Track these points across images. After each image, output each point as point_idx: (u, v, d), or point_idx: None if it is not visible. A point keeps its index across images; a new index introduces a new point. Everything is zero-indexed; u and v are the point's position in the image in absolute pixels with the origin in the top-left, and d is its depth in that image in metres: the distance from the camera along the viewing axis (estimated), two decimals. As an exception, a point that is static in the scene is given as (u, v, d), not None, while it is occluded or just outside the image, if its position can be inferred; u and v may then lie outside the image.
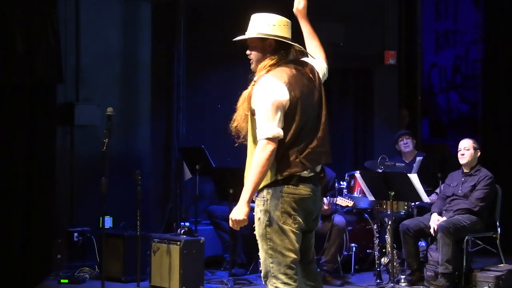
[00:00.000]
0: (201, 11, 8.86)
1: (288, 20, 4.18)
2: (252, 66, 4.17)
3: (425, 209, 7.63)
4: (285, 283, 4.02)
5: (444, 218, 7.01)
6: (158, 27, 8.49)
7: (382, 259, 7.30)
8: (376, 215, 7.66)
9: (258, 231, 4.08)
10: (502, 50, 9.36)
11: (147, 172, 8.03)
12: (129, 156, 8.08)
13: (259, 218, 4.05)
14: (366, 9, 9.67)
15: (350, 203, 7.46)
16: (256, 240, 4.14)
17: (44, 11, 7.32)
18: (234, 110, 8.58)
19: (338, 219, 7.49)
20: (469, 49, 11.15)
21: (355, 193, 7.77)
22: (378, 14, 9.74)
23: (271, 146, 3.91)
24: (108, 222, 7.59)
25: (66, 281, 7.22)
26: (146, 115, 8.35)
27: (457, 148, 7.24)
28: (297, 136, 4.01)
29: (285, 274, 4.02)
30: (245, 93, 4.11)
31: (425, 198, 6.96)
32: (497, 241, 7.13)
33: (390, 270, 7.03)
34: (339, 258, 7.56)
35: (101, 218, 6.69)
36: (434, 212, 7.14)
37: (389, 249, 7.12)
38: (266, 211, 4.02)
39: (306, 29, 4.38)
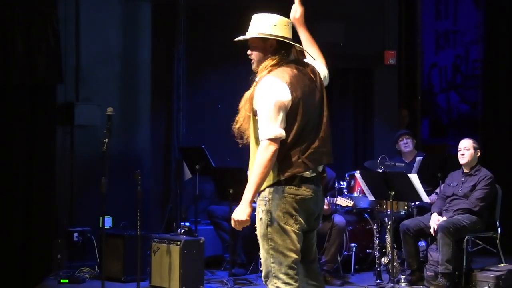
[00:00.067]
0: (201, 11, 8.86)
1: (289, 20, 4.19)
2: (253, 66, 4.17)
3: (425, 209, 7.63)
4: (286, 283, 4.02)
5: (444, 218, 7.01)
6: (158, 27, 8.50)
7: (382, 259, 7.30)
8: (376, 215, 7.66)
9: (259, 231, 4.08)
10: (502, 50, 9.36)
11: (147, 172, 8.03)
12: (129, 156, 8.08)
13: (260, 218, 4.05)
14: (366, 9, 9.67)
15: (350, 203, 7.46)
16: (257, 240, 4.14)
17: (44, 11, 7.33)
18: (234, 110, 8.57)
19: (338, 219, 7.49)
20: (469, 49, 11.15)
21: (355, 193, 7.77)
22: (378, 14, 9.74)
23: (273, 147, 3.92)
24: (108, 222, 7.60)
25: (66, 281, 7.22)
26: (146, 115, 8.35)
27: (457, 148, 7.24)
28: (299, 136, 4.01)
29: (286, 274, 4.02)
30: (247, 94, 4.12)
31: (425, 198, 6.96)
32: (497, 241, 7.13)
33: (390, 270, 7.03)
34: (339, 258, 7.56)
35: (101, 218, 6.69)
36: (434, 212, 7.14)
37: (389, 249, 7.12)
38: (268, 211, 4.02)
39: (304, 36, 4.37)
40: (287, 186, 4.01)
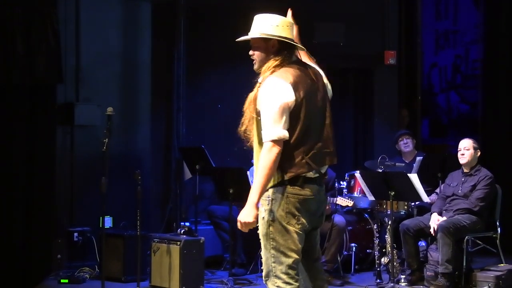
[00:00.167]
0: (201, 11, 8.86)
1: (291, 21, 4.19)
2: (255, 66, 4.18)
3: (425, 209, 7.63)
4: (286, 283, 4.03)
5: (444, 218, 7.01)
6: (158, 27, 8.50)
7: (382, 259, 7.30)
8: (376, 215, 7.66)
9: (261, 230, 4.09)
10: (502, 50, 9.36)
11: (147, 172, 8.03)
12: (129, 156, 8.08)
13: (263, 218, 4.06)
14: (366, 9, 9.67)
15: (350, 203, 7.46)
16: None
17: (44, 11, 7.33)
18: (234, 110, 8.57)
19: (338, 219, 7.49)
20: (469, 49, 11.15)
21: (355, 193, 7.77)
22: (378, 14, 9.74)
23: (276, 149, 3.93)
24: (108, 222, 7.59)
25: (66, 281, 7.22)
26: (146, 115, 8.35)
27: (457, 148, 7.24)
28: (303, 136, 4.03)
29: (287, 274, 4.03)
30: (250, 95, 4.12)
31: (425, 198, 6.96)
32: (497, 241, 7.13)
33: (390, 270, 7.03)
34: (339, 258, 7.57)
35: (101, 218, 6.69)
36: (434, 212, 7.14)
37: (389, 249, 7.12)
38: (271, 211, 4.03)
39: (301, 53, 4.35)
40: (291, 186, 4.02)
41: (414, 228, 7.15)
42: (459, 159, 7.19)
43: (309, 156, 4.03)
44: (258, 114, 4.05)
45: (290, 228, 4.02)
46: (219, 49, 8.72)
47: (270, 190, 4.03)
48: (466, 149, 7.17)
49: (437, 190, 7.66)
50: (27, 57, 7.22)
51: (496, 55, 9.49)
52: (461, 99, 11.46)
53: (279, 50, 4.11)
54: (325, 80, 4.30)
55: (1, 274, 7.08)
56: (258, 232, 4.11)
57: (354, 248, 7.70)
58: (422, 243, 7.55)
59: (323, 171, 4.16)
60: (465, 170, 7.22)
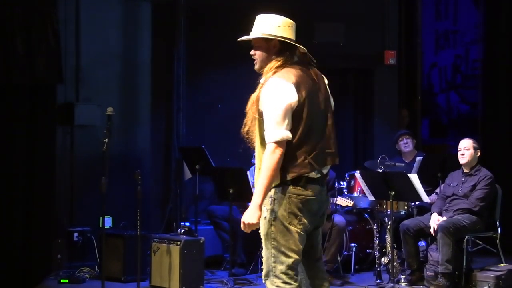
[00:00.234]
0: (201, 11, 8.86)
1: (293, 22, 4.20)
2: (256, 66, 4.19)
3: (425, 209, 7.63)
4: (286, 283, 4.04)
5: (444, 218, 7.01)
6: (158, 27, 8.50)
7: (382, 259, 7.30)
8: (376, 215, 7.66)
9: (263, 229, 4.09)
10: (502, 50, 9.36)
11: (147, 172, 8.03)
12: (129, 156, 8.08)
13: (265, 217, 4.06)
14: (366, 9, 9.67)
15: (350, 203, 7.46)
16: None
17: (44, 11, 7.33)
18: (234, 110, 8.58)
19: (338, 219, 7.49)
20: (469, 49, 11.14)
21: (355, 193, 7.77)
22: (378, 14, 9.74)
23: (279, 150, 3.95)
24: (108, 222, 7.59)
25: (66, 281, 7.22)
26: (146, 115, 8.35)
27: (457, 148, 7.24)
28: (305, 136, 4.03)
29: (286, 274, 4.04)
30: (253, 96, 4.13)
31: (425, 198, 6.96)
32: (497, 241, 7.13)
33: (390, 270, 7.03)
34: (339, 258, 7.56)
35: (101, 218, 6.69)
36: (434, 212, 7.14)
37: (389, 249, 7.12)
38: (273, 211, 4.04)
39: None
40: (293, 187, 4.03)
41: (414, 228, 7.15)
42: (459, 159, 7.19)
43: (311, 157, 4.04)
44: (260, 114, 4.06)
45: (292, 228, 4.03)
46: (219, 49, 8.72)
47: (272, 190, 4.04)
48: (466, 149, 7.17)
49: (437, 190, 7.66)
50: (27, 57, 7.22)
51: (496, 55, 9.49)
52: (461, 99, 11.46)
53: (281, 50, 4.12)
54: (326, 81, 4.31)
55: (1, 274, 7.08)
56: (259, 231, 4.12)
57: (354, 248, 7.70)
58: (422, 243, 7.55)
59: (325, 171, 4.17)
60: (465, 170, 7.22)
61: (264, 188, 3.96)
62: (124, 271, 7.20)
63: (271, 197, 4.04)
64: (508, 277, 6.76)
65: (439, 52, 11.55)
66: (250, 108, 4.13)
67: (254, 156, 7.82)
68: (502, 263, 7.07)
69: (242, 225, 4.03)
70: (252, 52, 4.19)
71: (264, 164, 3.96)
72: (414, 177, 6.82)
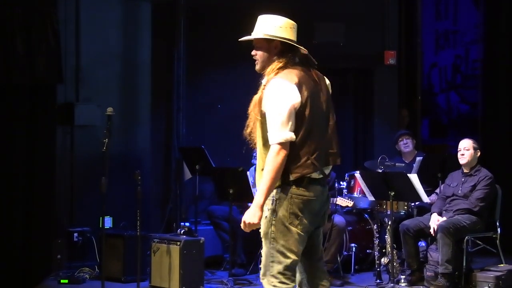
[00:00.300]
0: (201, 11, 8.86)
1: (294, 23, 4.20)
2: (257, 67, 4.19)
3: (425, 209, 7.63)
4: (282, 282, 4.05)
5: (444, 218, 7.01)
6: (158, 27, 8.50)
7: (382, 259, 7.30)
8: (376, 215, 7.66)
9: (263, 229, 4.10)
10: (502, 50, 9.36)
11: (147, 172, 8.03)
12: (129, 156, 8.08)
13: (266, 217, 4.07)
14: (366, 9, 9.67)
15: (350, 203, 7.46)
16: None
17: (44, 11, 7.33)
18: (234, 110, 8.57)
19: (338, 219, 7.49)
20: (469, 49, 11.14)
21: (355, 193, 7.77)
22: (378, 14, 9.74)
23: (284, 152, 3.95)
24: (108, 222, 7.59)
25: (66, 281, 7.22)
26: (146, 115, 8.35)
27: (457, 148, 7.24)
28: (307, 137, 4.04)
29: (284, 274, 4.05)
30: (255, 98, 4.13)
31: (425, 198, 6.96)
32: (497, 241, 7.13)
33: (390, 270, 7.03)
34: (339, 258, 7.56)
35: (101, 218, 6.69)
36: (434, 212, 7.14)
37: (389, 249, 7.12)
38: (274, 211, 4.05)
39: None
40: (295, 187, 4.04)
41: (414, 229, 7.15)
42: (459, 160, 7.19)
43: (314, 157, 4.05)
44: (263, 116, 4.06)
45: (292, 228, 4.04)
46: (219, 49, 8.73)
47: (274, 190, 4.05)
48: (466, 149, 7.17)
49: (437, 190, 7.66)
50: (27, 57, 7.22)
51: (496, 55, 9.49)
52: (461, 99, 11.45)
53: (282, 51, 4.13)
54: (327, 82, 4.31)
55: (1, 274, 7.08)
56: (259, 231, 4.13)
57: (354, 248, 7.70)
58: (422, 244, 7.55)
59: (327, 171, 4.18)
60: (465, 171, 7.22)
61: (266, 189, 3.97)
62: (124, 271, 7.20)
63: (273, 197, 4.05)
64: (508, 277, 6.76)
65: (439, 52, 11.55)
66: (252, 109, 4.12)
67: (254, 156, 7.88)
68: (502, 264, 7.07)
69: (242, 224, 4.04)
70: (253, 52, 4.19)
71: (268, 165, 3.96)
72: (414, 177, 6.82)
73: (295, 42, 4.15)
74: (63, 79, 7.57)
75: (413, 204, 7.65)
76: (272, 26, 4.12)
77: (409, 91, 10.07)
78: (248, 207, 4.06)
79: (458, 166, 7.26)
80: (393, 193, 6.83)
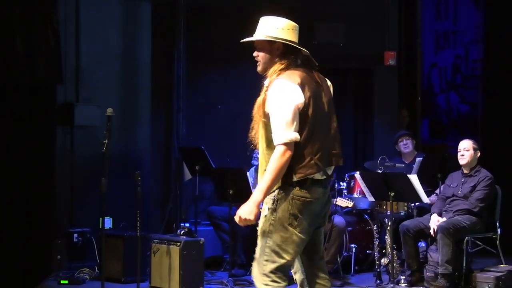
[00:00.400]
0: (201, 11, 8.86)
1: (296, 25, 4.21)
2: (259, 68, 4.19)
3: (425, 210, 7.63)
4: (274, 281, 4.05)
5: (444, 219, 7.01)
6: (158, 27, 8.49)
7: (382, 260, 7.30)
8: (376, 216, 7.66)
9: (261, 227, 4.11)
10: (502, 50, 9.36)
11: (147, 173, 8.03)
12: (129, 156, 8.07)
13: (265, 215, 4.08)
14: (366, 9, 9.67)
15: (350, 203, 7.46)
16: (256, 241, 4.15)
17: (44, 11, 7.33)
18: (234, 110, 8.56)
19: (338, 219, 7.49)
20: (469, 49, 11.14)
21: (355, 193, 7.77)
22: (378, 14, 9.74)
23: (289, 153, 3.96)
24: (108, 222, 7.59)
25: (66, 281, 7.21)
26: (146, 115, 8.34)
27: (457, 148, 7.24)
28: (310, 137, 4.05)
29: (275, 273, 4.05)
30: (259, 100, 4.13)
31: (425, 198, 6.96)
32: (497, 242, 7.13)
33: (390, 271, 7.03)
34: (339, 259, 7.56)
35: (101, 218, 6.69)
36: (434, 213, 7.14)
37: (389, 250, 7.12)
38: (274, 210, 4.05)
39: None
40: (298, 188, 4.04)
41: (414, 229, 7.15)
42: (459, 160, 7.19)
43: (317, 157, 4.06)
44: (266, 117, 4.06)
45: (291, 229, 4.04)
46: (219, 49, 8.72)
47: (276, 190, 4.05)
48: (466, 150, 7.17)
49: (437, 191, 7.65)
50: (27, 57, 7.23)
51: (496, 55, 9.49)
52: (461, 99, 11.45)
53: (284, 53, 4.13)
54: (329, 83, 4.32)
55: (1, 274, 7.09)
56: (257, 228, 4.13)
57: (354, 249, 7.70)
58: (422, 244, 7.55)
59: (329, 172, 4.18)
60: (465, 171, 7.22)
61: (267, 187, 3.97)
62: (124, 272, 7.20)
63: (274, 197, 4.05)
64: (508, 278, 6.76)
65: (439, 52, 11.54)
66: (256, 112, 4.13)
67: (254, 157, 7.86)
68: (502, 264, 7.06)
69: (237, 218, 4.04)
70: (255, 53, 4.20)
71: (272, 165, 3.96)
72: (414, 178, 6.82)
73: (297, 44, 4.16)
74: (63, 79, 7.57)
75: (413, 204, 7.65)
76: (274, 27, 4.13)
77: (409, 91, 10.07)
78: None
79: (458, 166, 7.26)
80: (393, 193, 6.83)
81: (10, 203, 7.26)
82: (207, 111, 8.96)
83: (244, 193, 6.96)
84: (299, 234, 4.05)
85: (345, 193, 7.78)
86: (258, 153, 7.17)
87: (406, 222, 7.27)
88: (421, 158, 7.79)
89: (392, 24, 9.81)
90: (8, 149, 7.29)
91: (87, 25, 7.91)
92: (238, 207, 7.51)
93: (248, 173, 7.31)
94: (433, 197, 7.62)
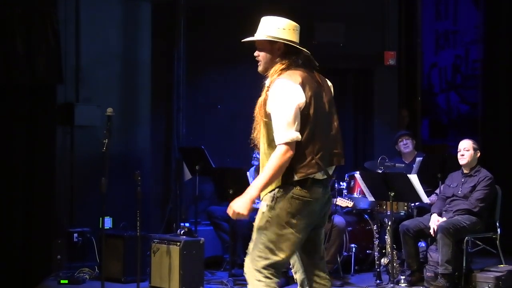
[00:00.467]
0: (201, 11, 8.86)
1: (297, 25, 4.21)
2: (260, 68, 4.20)
3: (425, 210, 7.63)
4: (267, 277, 4.06)
5: (444, 219, 7.01)
6: (158, 27, 8.50)
7: (382, 260, 7.30)
8: (376, 216, 7.66)
9: (257, 223, 4.11)
10: (502, 50, 9.36)
11: (147, 172, 8.03)
12: (129, 156, 8.07)
13: (262, 212, 4.08)
14: (366, 9, 9.67)
15: (350, 203, 7.46)
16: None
17: (44, 11, 7.33)
18: (234, 110, 8.55)
19: (338, 219, 7.49)
20: (469, 49, 11.14)
21: (355, 193, 7.77)
22: (378, 14, 9.74)
23: (290, 152, 3.96)
24: (108, 222, 7.59)
25: (66, 281, 7.21)
26: (146, 115, 8.35)
27: (457, 148, 7.24)
28: (312, 137, 4.05)
29: (267, 269, 4.05)
30: (260, 100, 4.14)
31: (425, 198, 6.96)
32: (497, 242, 7.13)
33: (390, 271, 7.03)
34: (339, 259, 7.56)
35: (101, 218, 6.69)
36: (434, 213, 7.14)
37: (389, 250, 7.12)
38: (272, 208, 4.05)
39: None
40: (298, 188, 4.04)
41: (414, 229, 7.15)
42: (459, 160, 7.19)
43: (318, 157, 4.06)
44: (268, 117, 4.06)
45: (287, 227, 4.04)
46: (219, 49, 8.73)
47: (276, 189, 4.05)
48: (465, 149, 7.17)
49: (437, 191, 7.65)
50: (27, 57, 7.23)
51: (496, 55, 9.49)
52: (461, 99, 11.45)
53: (285, 53, 4.14)
54: (329, 83, 4.32)
55: (1, 274, 7.09)
56: (253, 223, 4.14)
57: (354, 249, 7.70)
58: (422, 244, 7.55)
59: (330, 172, 4.18)
60: (465, 171, 7.22)
61: (263, 184, 3.97)
62: (124, 272, 7.20)
63: (273, 194, 4.05)
64: (508, 278, 6.76)
65: (439, 52, 11.54)
66: (258, 112, 4.13)
67: (254, 157, 7.86)
68: (502, 264, 7.06)
69: (230, 210, 4.03)
70: (256, 53, 4.21)
71: (271, 163, 3.97)
72: (414, 178, 6.82)
73: (297, 44, 4.16)
74: (63, 79, 7.57)
75: (413, 204, 7.65)
76: (275, 27, 4.13)
77: (409, 91, 10.07)
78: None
79: (458, 166, 7.26)
80: (393, 193, 6.83)
81: (10, 203, 7.26)
82: (207, 111, 8.96)
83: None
84: (295, 233, 4.05)
85: (345, 193, 7.78)
86: (258, 153, 7.22)
87: (406, 222, 7.27)
88: (421, 158, 7.79)
89: (392, 24, 9.81)
90: (8, 149, 7.29)
91: (87, 25, 7.91)
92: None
93: (248, 173, 7.30)
94: (433, 197, 7.63)
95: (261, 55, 4.18)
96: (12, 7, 7.20)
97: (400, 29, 9.94)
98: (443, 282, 6.81)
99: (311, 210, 4.08)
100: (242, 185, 7.06)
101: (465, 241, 6.94)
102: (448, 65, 11.44)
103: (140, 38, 8.30)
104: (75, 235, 7.62)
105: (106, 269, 7.02)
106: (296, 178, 4.02)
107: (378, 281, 7.26)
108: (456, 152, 7.24)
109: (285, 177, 4.02)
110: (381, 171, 7.34)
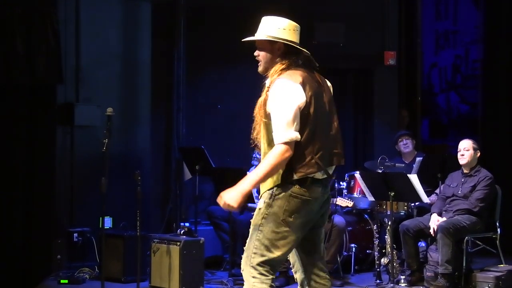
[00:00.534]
0: (201, 11, 8.86)
1: (297, 25, 4.21)
2: (260, 68, 4.20)
3: (425, 210, 7.63)
4: (262, 274, 4.05)
5: (444, 219, 7.01)
6: (158, 27, 8.50)
7: (382, 260, 7.30)
8: (376, 216, 7.66)
9: (254, 220, 4.11)
10: (502, 50, 9.36)
11: (147, 172, 8.03)
12: (129, 156, 8.08)
13: (259, 209, 4.09)
14: (366, 9, 9.67)
15: (350, 203, 7.46)
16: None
17: (44, 11, 7.33)
18: (234, 110, 8.56)
19: (338, 219, 7.49)
20: (469, 49, 11.14)
21: (355, 193, 7.77)
22: (378, 14, 9.74)
23: (289, 152, 3.96)
24: (108, 222, 7.60)
25: (66, 281, 7.21)
26: (146, 115, 8.35)
27: (457, 148, 7.24)
28: (312, 136, 4.05)
29: (263, 266, 4.05)
30: (260, 100, 4.14)
31: (425, 198, 6.96)
32: (497, 242, 7.13)
33: (390, 271, 7.03)
34: (339, 259, 7.56)
35: (101, 218, 6.68)
36: (434, 213, 7.14)
37: (389, 250, 7.12)
38: (269, 205, 4.06)
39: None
40: (297, 187, 4.04)
41: (414, 229, 7.15)
42: (459, 160, 7.19)
43: (318, 156, 4.06)
44: (268, 117, 4.06)
45: (284, 225, 4.04)
46: (219, 49, 8.73)
47: (275, 187, 4.05)
48: (465, 149, 7.17)
49: (437, 191, 7.65)
50: (27, 57, 7.23)
51: (496, 55, 9.49)
52: (461, 99, 11.45)
53: (285, 53, 4.14)
54: (329, 84, 4.32)
55: (1, 274, 7.09)
56: (250, 220, 4.14)
57: (354, 248, 7.70)
58: (422, 244, 7.55)
59: (330, 171, 4.18)
60: (465, 171, 7.22)
61: (257, 181, 3.98)
62: (124, 272, 7.20)
63: (272, 192, 4.05)
64: (507, 277, 6.77)
65: (439, 52, 11.55)
66: (258, 112, 4.13)
67: (254, 157, 7.85)
68: (502, 264, 7.07)
69: (220, 200, 4.06)
70: (256, 53, 4.21)
71: (268, 160, 3.97)
72: (414, 178, 6.82)
73: (298, 44, 4.16)
74: (63, 79, 7.57)
75: (413, 204, 7.65)
76: (276, 27, 4.14)
77: (409, 91, 10.08)
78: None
79: (458, 166, 7.26)
80: (393, 193, 6.83)
81: (10, 203, 7.26)
82: (207, 111, 8.96)
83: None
84: (291, 231, 4.05)
85: (345, 193, 7.78)
86: (258, 153, 7.22)
87: (406, 222, 7.27)
88: (421, 158, 7.79)
89: (392, 24, 9.81)
90: (8, 149, 7.29)
91: (87, 25, 7.91)
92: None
93: (248, 173, 7.29)
94: (433, 197, 7.63)
95: (261, 55, 4.18)
96: (12, 7, 7.20)
97: (400, 29, 9.94)
98: (443, 282, 6.81)
99: (309, 209, 4.08)
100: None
101: (465, 241, 6.94)
102: (448, 65, 11.45)
103: (140, 38, 8.31)
104: (75, 235, 7.63)
105: (106, 269, 7.02)
106: (295, 177, 4.02)
107: (378, 281, 7.27)
108: (456, 152, 7.24)
109: (285, 176, 4.02)
110: (381, 171, 7.34)
